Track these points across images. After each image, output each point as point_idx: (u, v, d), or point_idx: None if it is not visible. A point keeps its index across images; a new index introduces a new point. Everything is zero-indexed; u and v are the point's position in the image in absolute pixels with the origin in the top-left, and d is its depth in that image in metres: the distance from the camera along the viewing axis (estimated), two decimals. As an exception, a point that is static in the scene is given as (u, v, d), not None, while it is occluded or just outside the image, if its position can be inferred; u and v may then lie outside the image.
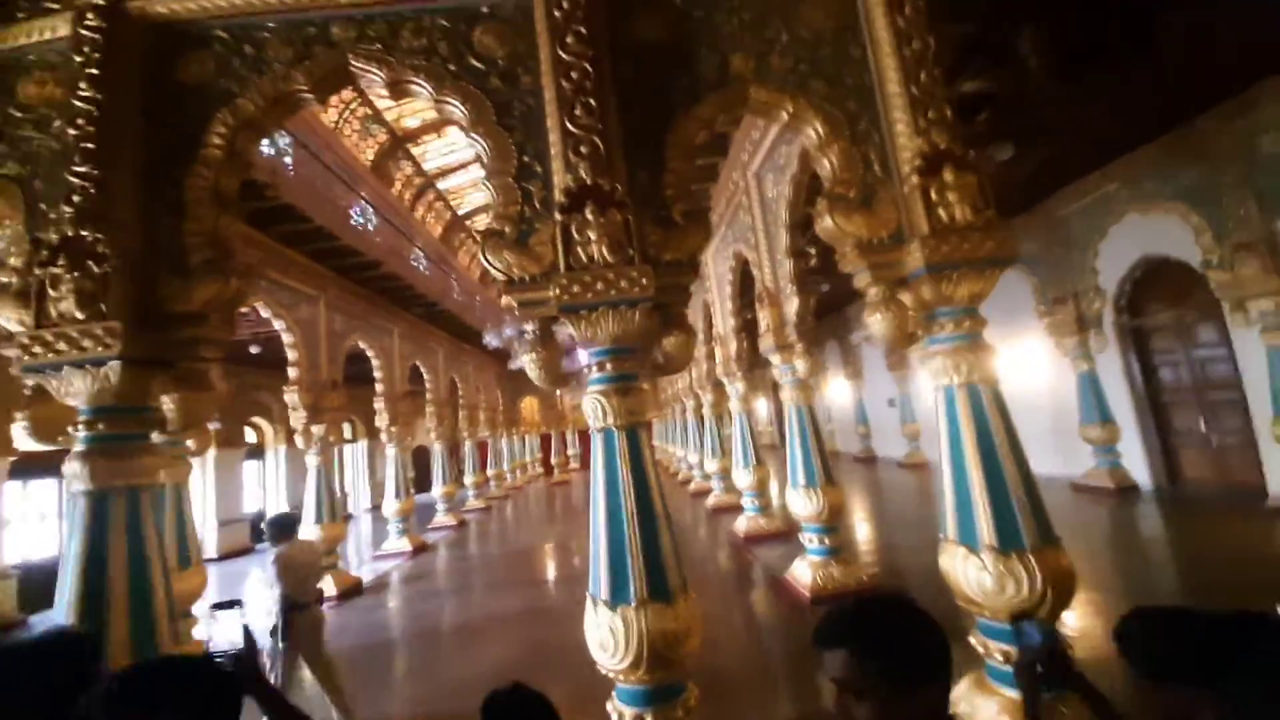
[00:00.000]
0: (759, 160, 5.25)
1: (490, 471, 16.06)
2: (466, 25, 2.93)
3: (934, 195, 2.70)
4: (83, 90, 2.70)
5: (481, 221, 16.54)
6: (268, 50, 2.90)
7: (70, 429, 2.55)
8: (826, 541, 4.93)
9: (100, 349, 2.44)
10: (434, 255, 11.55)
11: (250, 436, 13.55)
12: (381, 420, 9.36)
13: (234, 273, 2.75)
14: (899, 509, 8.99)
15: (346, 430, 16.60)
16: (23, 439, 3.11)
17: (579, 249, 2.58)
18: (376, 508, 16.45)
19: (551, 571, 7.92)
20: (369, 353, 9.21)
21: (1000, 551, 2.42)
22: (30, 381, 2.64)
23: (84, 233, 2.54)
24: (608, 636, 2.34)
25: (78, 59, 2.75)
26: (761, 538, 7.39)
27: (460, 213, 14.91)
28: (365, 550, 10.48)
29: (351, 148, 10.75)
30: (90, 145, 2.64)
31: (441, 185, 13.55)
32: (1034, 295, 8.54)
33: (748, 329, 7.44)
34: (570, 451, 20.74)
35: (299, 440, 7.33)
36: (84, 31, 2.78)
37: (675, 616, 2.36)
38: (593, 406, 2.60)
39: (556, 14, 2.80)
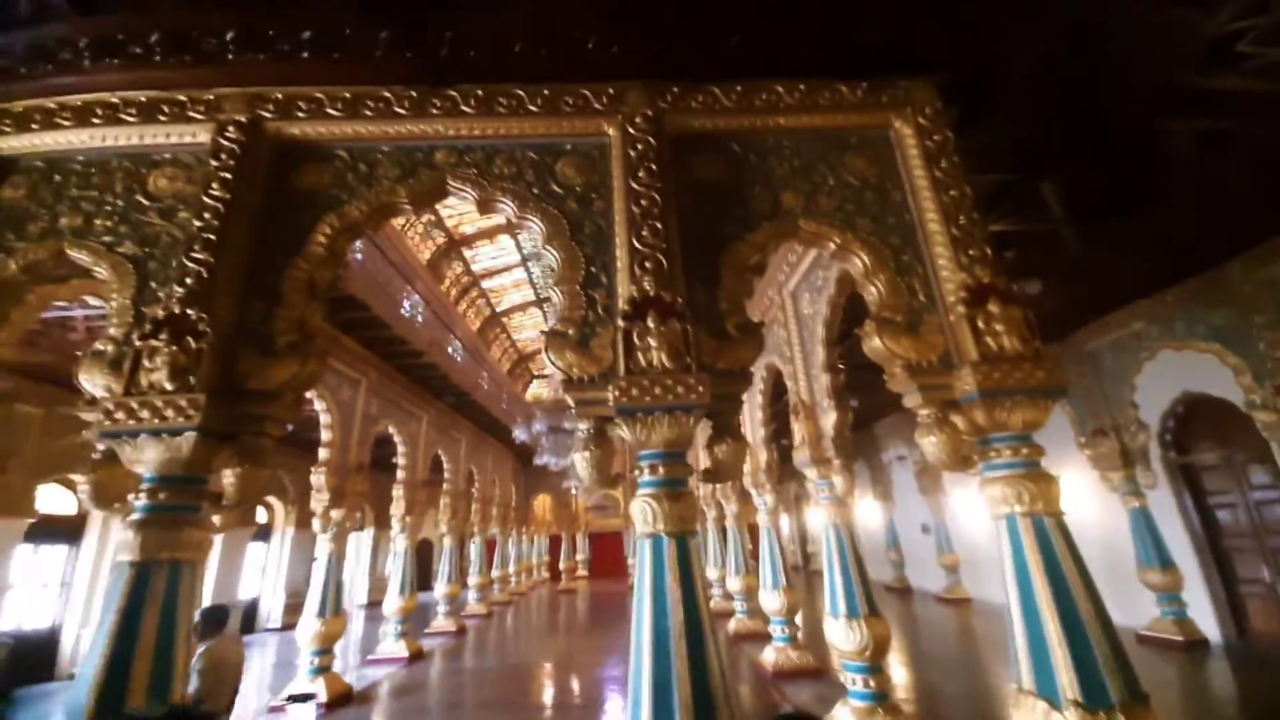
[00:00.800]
0: (795, 280, 5.55)
1: (495, 573, 15.29)
2: (552, 158, 3.35)
3: (981, 324, 2.83)
4: (214, 189, 3.10)
5: (519, 320, 17.41)
6: (379, 169, 3.33)
7: (132, 496, 2.60)
8: (872, 684, 4.45)
9: (181, 419, 2.55)
10: (470, 347, 12.02)
11: (261, 516, 13.34)
12: (397, 508, 9.20)
13: (313, 356, 2.93)
14: (942, 649, 8.18)
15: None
16: (43, 503, 3.13)
17: (639, 354, 2.71)
18: (373, 604, 15.58)
19: (550, 696, 7.22)
20: (396, 438, 9.29)
21: (1087, 709, 2.18)
22: (101, 446, 2.74)
23: (189, 311, 2.78)
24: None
25: (214, 163, 3.18)
26: (792, 674, 6.74)
27: (498, 309, 15.78)
28: (355, 653, 9.76)
29: (412, 246, 11.71)
30: (211, 236, 2.97)
31: (485, 284, 14.51)
32: (1071, 426, 8.38)
33: (776, 439, 7.36)
34: (579, 557, 19.77)
35: (316, 524, 7.03)
36: (223, 140, 3.26)
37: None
38: (642, 510, 2.57)
39: (631, 153, 3.22)
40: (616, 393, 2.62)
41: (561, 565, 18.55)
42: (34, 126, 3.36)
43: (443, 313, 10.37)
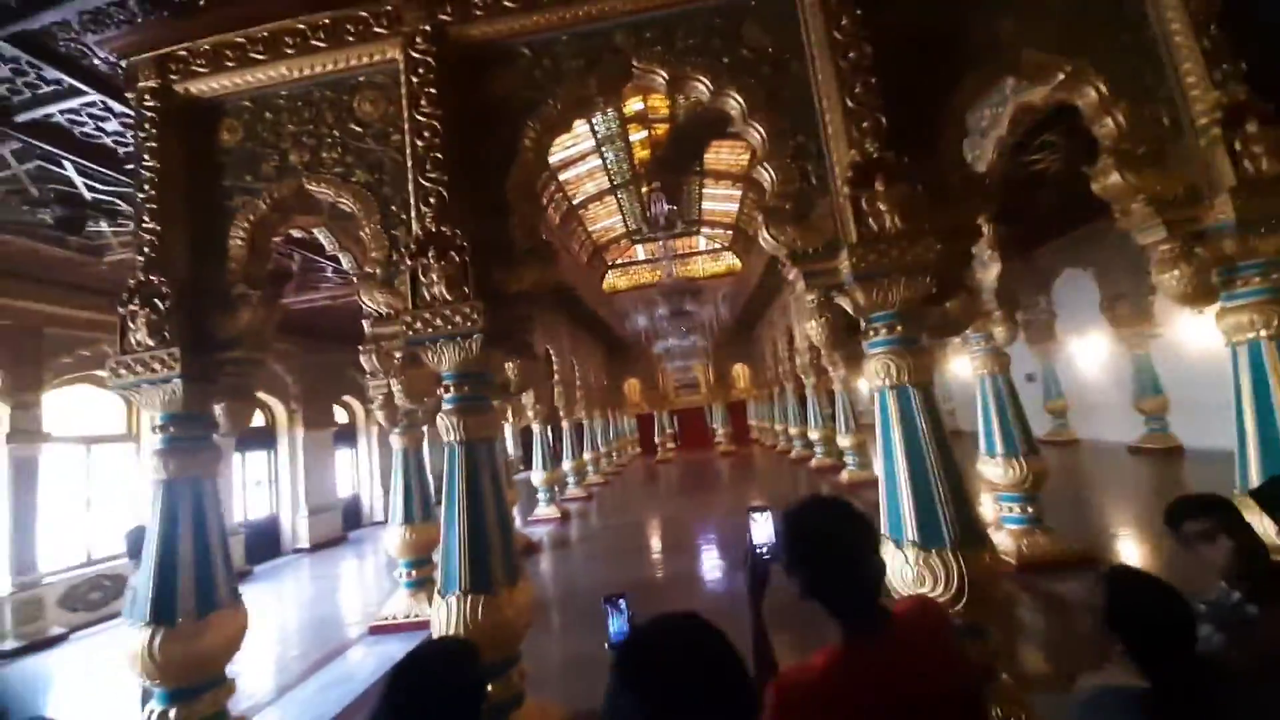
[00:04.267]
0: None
1: (602, 449, 16.83)
2: (737, 20, 3.18)
3: (1238, 147, 2.66)
4: (424, 106, 3.20)
5: (594, 210, 17.17)
6: (563, 62, 3.30)
7: (437, 391, 3.11)
8: (1030, 510, 4.91)
9: (468, 324, 2.95)
10: (559, 243, 12.19)
11: (341, 417, 12.80)
12: (527, 398, 10.11)
13: (553, 259, 3.20)
14: (1056, 486, 8.60)
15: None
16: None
17: (870, 220, 2.78)
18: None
19: (682, 539, 8.28)
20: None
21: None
22: (398, 355, 3.23)
23: (443, 229, 3.05)
24: (925, 575, 2.55)
25: (413, 79, 3.25)
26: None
27: (575, 202, 15.59)
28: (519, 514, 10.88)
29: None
30: (439, 155, 3.14)
31: (561, 176, 14.23)
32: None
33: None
34: (669, 431, 21.21)
35: (381, 417, 5.78)
36: (413, 54, 3.28)
37: (989, 554, 2.55)
38: (883, 367, 2.80)
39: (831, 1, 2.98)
40: (854, 259, 2.74)
41: (656, 440, 20.06)
42: (228, 64, 3.50)
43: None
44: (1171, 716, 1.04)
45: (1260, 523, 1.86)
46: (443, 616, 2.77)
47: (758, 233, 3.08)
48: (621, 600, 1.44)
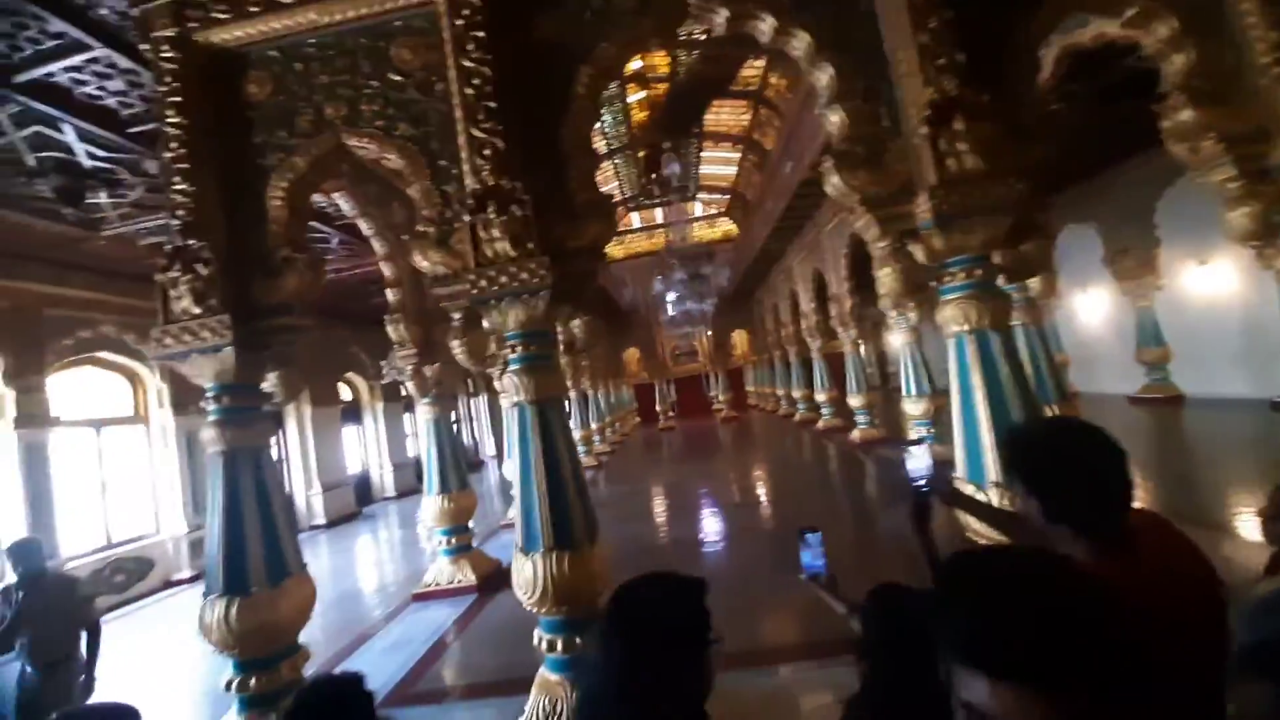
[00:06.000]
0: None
1: (607, 418, 16.87)
2: (798, -46, 3.02)
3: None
4: (472, 51, 3.02)
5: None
6: (613, 2, 3.12)
7: (499, 351, 3.03)
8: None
9: (535, 280, 2.85)
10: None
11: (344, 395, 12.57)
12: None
13: (612, 214, 3.09)
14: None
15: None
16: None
17: (950, 161, 2.71)
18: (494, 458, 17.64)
19: (701, 495, 8.40)
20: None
21: None
22: (456, 316, 3.13)
23: (501, 182, 2.92)
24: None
25: (458, 22, 3.06)
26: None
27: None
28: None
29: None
30: (490, 104, 2.98)
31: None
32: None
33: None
34: (670, 399, 21.31)
35: (410, 387, 5.59)
36: (453, -5, 3.08)
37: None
38: (962, 312, 2.78)
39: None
40: (935, 201, 2.68)
41: (658, 408, 20.16)
42: (251, 10, 3.26)
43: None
44: None
45: None
46: (528, 574, 2.76)
47: (824, 179, 3.00)
48: (812, 535, 1.44)
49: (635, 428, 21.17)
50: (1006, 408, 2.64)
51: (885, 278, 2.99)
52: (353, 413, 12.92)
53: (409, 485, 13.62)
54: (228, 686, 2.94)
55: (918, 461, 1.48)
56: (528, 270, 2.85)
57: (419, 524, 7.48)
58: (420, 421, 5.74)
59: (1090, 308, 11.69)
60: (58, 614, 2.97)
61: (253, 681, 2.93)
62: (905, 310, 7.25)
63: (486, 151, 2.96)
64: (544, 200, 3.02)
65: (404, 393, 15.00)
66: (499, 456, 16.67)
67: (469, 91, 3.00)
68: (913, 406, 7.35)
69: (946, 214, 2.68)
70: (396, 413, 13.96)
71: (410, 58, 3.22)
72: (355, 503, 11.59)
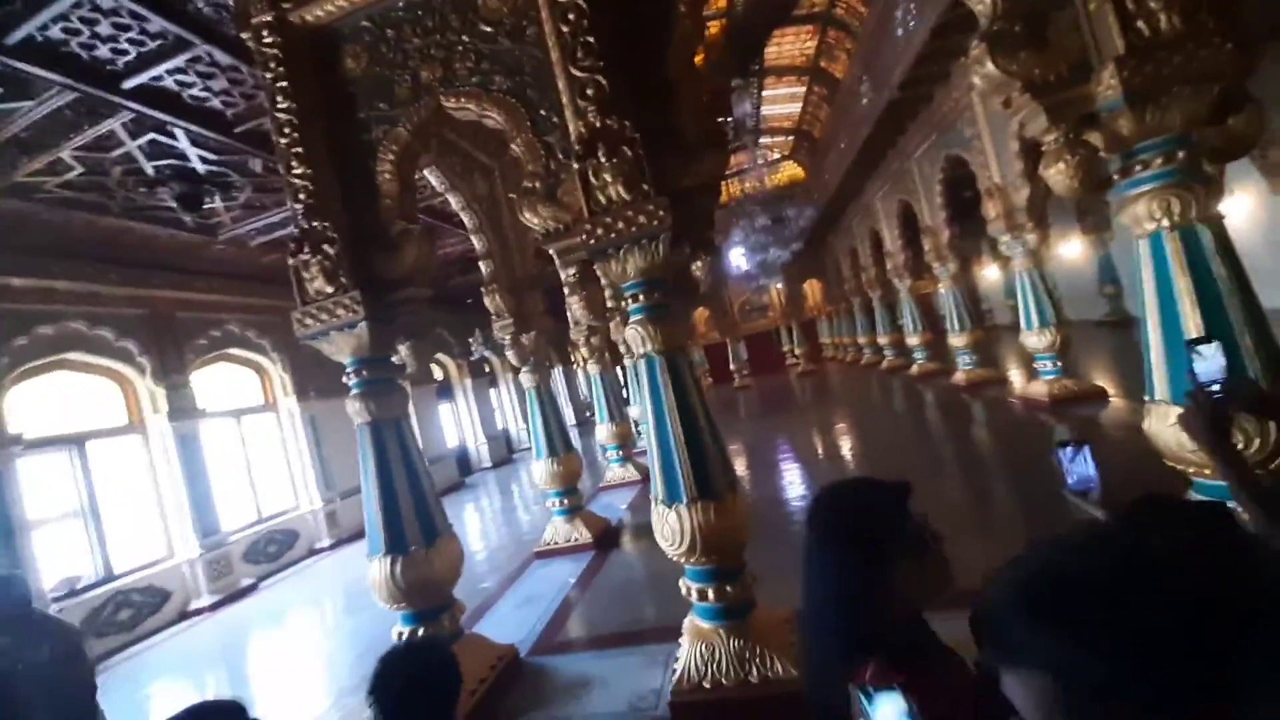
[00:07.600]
0: None
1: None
2: None
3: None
4: (565, -13, 2.83)
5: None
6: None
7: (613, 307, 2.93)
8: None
9: (654, 223, 2.70)
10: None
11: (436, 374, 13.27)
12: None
13: (725, 145, 2.87)
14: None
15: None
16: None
17: (1140, 24, 2.26)
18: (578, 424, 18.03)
19: (793, 450, 8.14)
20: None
21: None
22: (570, 271, 3.06)
23: (608, 121, 2.76)
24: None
25: (550, -40, 2.87)
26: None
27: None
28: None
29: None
30: (589, 39, 2.80)
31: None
32: None
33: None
34: (743, 357, 20.89)
35: (511, 356, 5.40)
36: (543, -68, 2.89)
37: None
38: (1162, 205, 2.37)
39: None
40: (1124, 74, 2.23)
41: (731, 367, 19.81)
42: (334, -17, 3.23)
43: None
44: None
45: None
46: (674, 525, 2.71)
47: (971, 71, 2.62)
48: (1073, 448, 1.25)
49: (709, 388, 21.00)
50: (1226, 318, 2.24)
51: (1057, 176, 2.58)
52: (445, 390, 13.65)
53: (501, 456, 14.35)
54: (399, 639, 3.15)
55: (1209, 363, 1.23)
56: (645, 213, 2.69)
57: (534, 486, 7.06)
58: (525, 387, 5.90)
59: (1068, 252, 12.94)
60: (56, 676, 2.18)
61: (420, 633, 3.12)
62: (1022, 233, 6.53)
63: (590, 91, 2.79)
64: (653, 137, 2.85)
65: (487, 369, 15.99)
66: (577, 426, 17.14)
67: (564, 28, 2.83)
68: (1035, 339, 6.62)
69: (1141, 87, 2.25)
70: (483, 388, 14.62)
71: (497, 4, 3.08)
72: (458, 473, 12.32)
